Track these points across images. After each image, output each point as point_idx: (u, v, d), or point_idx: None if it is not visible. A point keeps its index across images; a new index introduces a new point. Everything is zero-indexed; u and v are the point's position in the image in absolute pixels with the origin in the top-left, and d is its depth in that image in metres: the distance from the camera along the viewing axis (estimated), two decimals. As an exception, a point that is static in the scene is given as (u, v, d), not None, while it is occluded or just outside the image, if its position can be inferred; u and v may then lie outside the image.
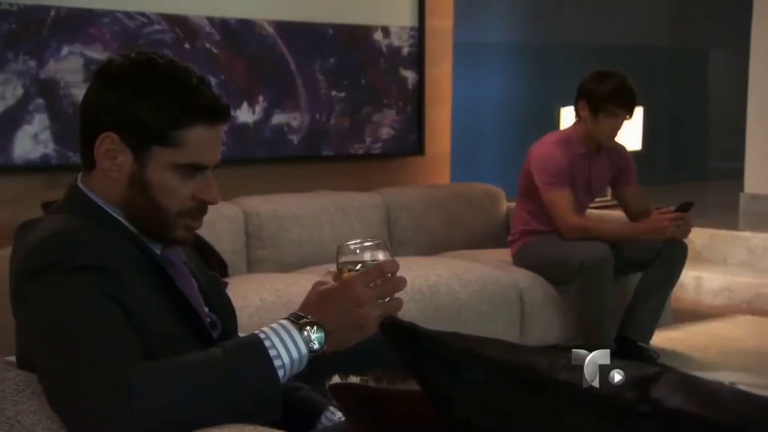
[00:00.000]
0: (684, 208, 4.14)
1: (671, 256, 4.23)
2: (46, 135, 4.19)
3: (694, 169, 10.72)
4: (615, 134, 4.27)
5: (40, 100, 4.16)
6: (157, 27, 4.43)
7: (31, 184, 4.16)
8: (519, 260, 4.36)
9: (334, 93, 4.93)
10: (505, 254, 4.51)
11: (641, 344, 4.27)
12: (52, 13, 4.16)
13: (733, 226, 6.48)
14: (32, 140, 4.15)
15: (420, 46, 5.15)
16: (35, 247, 1.59)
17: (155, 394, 1.44)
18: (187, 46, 4.49)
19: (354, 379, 1.32)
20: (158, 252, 1.74)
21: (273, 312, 3.63)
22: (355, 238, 4.73)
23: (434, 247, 4.67)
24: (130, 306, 1.58)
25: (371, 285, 1.62)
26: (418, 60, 5.16)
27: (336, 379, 1.33)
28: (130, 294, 1.59)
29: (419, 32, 5.15)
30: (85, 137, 1.72)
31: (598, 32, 10.11)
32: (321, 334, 1.59)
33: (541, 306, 4.24)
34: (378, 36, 5.05)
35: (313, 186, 4.69)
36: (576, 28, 9.98)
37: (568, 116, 5.45)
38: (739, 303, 5.67)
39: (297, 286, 3.80)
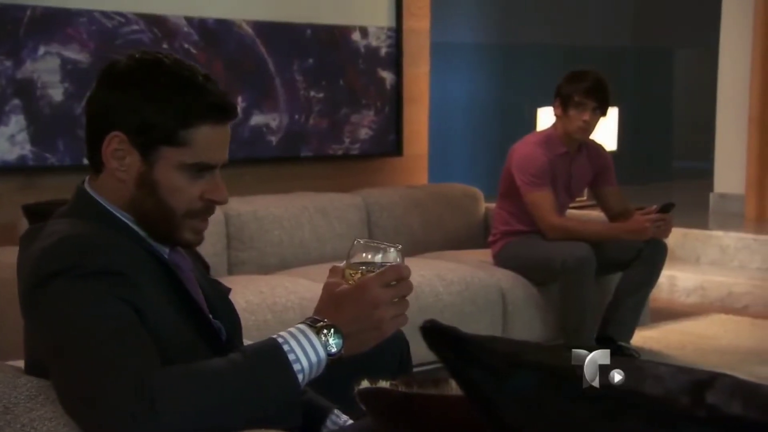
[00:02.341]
0: (665, 209, 4.19)
1: (651, 256, 4.26)
2: (22, 136, 4.13)
3: (659, 169, 10.81)
4: (587, 127, 4.24)
5: (16, 101, 4.11)
6: (134, 27, 4.39)
7: (8, 186, 4.10)
8: (500, 260, 4.37)
9: (312, 93, 4.92)
10: (485, 254, 4.52)
11: (622, 343, 4.30)
12: (29, 12, 4.11)
13: (703, 225, 6.54)
14: (8, 142, 4.09)
15: (398, 47, 5.15)
16: (47, 251, 1.57)
17: (177, 398, 1.44)
18: (165, 46, 4.44)
19: (383, 384, 1.31)
20: (166, 256, 1.73)
21: (258, 314, 3.62)
22: (339, 240, 4.73)
23: (414, 247, 4.66)
24: (144, 310, 1.57)
25: (386, 287, 1.62)
26: (395, 60, 5.15)
27: (365, 383, 1.32)
28: (143, 298, 1.58)
29: (397, 33, 5.15)
30: (92, 139, 1.71)
31: (565, 33, 10.17)
32: (339, 338, 1.58)
33: (524, 306, 4.25)
34: (356, 36, 5.04)
35: (291, 187, 4.67)
36: (544, 29, 10.03)
37: (545, 117, 5.48)
38: (712, 301, 5.72)
39: (281, 288, 3.79)
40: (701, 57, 10.65)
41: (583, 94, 4.19)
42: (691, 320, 5.32)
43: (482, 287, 4.15)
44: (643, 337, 4.69)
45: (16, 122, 4.11)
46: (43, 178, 4.19)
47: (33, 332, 1.62)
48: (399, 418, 1.31)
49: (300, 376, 1.54)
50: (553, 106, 4.35)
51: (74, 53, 4.22)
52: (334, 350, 1.58)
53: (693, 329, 5.10)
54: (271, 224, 4.29)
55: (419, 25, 5.31)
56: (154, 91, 1.65)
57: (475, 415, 1.20)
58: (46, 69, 4.16)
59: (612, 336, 4.29)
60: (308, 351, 1.56)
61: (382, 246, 1.68)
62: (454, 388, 1.31)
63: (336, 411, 1.90)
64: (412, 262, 4.35)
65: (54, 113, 4.19)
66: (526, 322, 4.24)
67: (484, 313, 4.12)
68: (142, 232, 1.70)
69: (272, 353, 1.54)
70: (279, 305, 3.68)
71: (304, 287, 3.83)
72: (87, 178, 1.78)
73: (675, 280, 5.78)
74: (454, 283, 4.08)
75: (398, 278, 1.63)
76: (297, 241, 4.36)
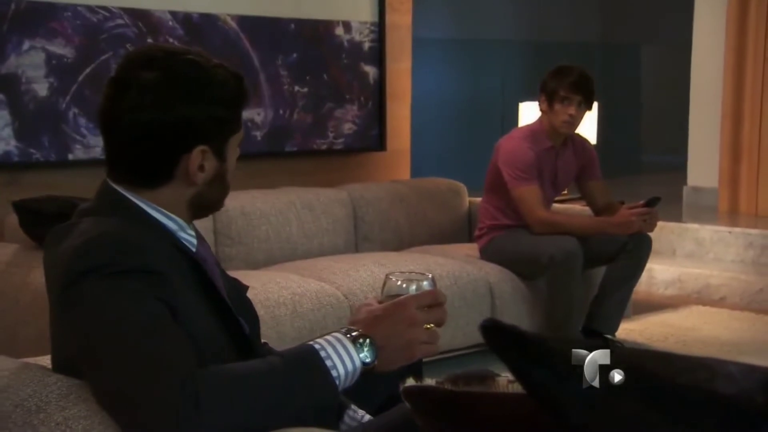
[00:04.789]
0: (651, 203, 4.23)
1: (636, 250, 4.30)
2: (7, 132, 4.09)
3: (629, 162, 10.89)
4: (572, 121, 4.28)
5: (1, 96, 4.07)
6: (119, 21, 4.36)
7: (-8, 182, 4.07)
8: (487, 255, 4.39)
9: (296, 88, 4.92)
10: (470, 249, 4.54)
11: (607, 336, 4.34)
12: (13, 6, 4.07)
13: (678, 218, 6.61)
14: (-7, 137, 4.06)
15: (380, 42, 5.16)
16: (80, 249, 1.56)
17: (221, 398, 1.44)
18: (150, 40, 4.42)
19: (429, 382, 1.33)
20: (194, 249, 1.73)
21: (250, 310, 3.61)
22: (325, 235, 4.75)
23: (400, 242, 4.68)
24: (177, 308, 1.56)
25: (422, 310, 1.63)
26: (378, 55, 5.16)
27: (410, 381, 1.33)
28: (176, 296, 1.57)
29: (379, 27, 5.16)
30: (163, 159, 1.66)
31: (536, 29, 10.23)
32: (373, 349, 1.60)
33: (511, 300, 4.27)
34: (339, 31, 5.04)
35: (276, 182, 4.67)
36: (514, 25, 10.08)
37: (527, 112, 5.51)
38: (689, 293, 5.80)
39: (272, 284, 3.79)
40: (668, 52, 10.75)
41: (569, 89, 4.23)
42: (670, 312, 5.39)
43: (471, 282, 4.17)
44: (625, 330, 4.73)
45: (1, 118, 4.07)
46: (28, 174, 4.16)
47: (66, 330, 1.59)
48: (445, 415, 1.32)
49: (336, 383, 1.56)
50: (539, 101, 4.37)
51: (59, 48, 4.19)
52: (368, 360, 1.59)
53: (673, 321, 5.16)
54: (258, 220, 4.29)
55: (401, 20, 5.33)
56: (214, 92, 1.65)
57: (525, 412, 1.21)
58: (31, 64, 4.13)
59: (597, 329, 4.33)
60: (344, 359, 1.57)
61: (415, 277, 1.70)
62: (500, 385, 1.32)
63: (353, 406, 1.91)
64: (401, 257, 4.39)
65: (39, 108, 4.15)
66: (514, 316, 4.27)
67: (472, 308, 4.14)
68: (173, 226, 1.69)
69: (311, 359, 1.55)
70: (271, 301, 3.68)
71: (296, 283, 3.83)
72: (108, 176, 1.72)
73: (653, 272, 5.84)
74: (443, 278, 4.09)
75: (433, 303, 1.65)
76: (284, 237, 4.35)
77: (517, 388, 1.23)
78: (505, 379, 1.30)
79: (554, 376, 1.08)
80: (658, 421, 1.00)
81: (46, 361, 1.79)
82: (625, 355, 1.06)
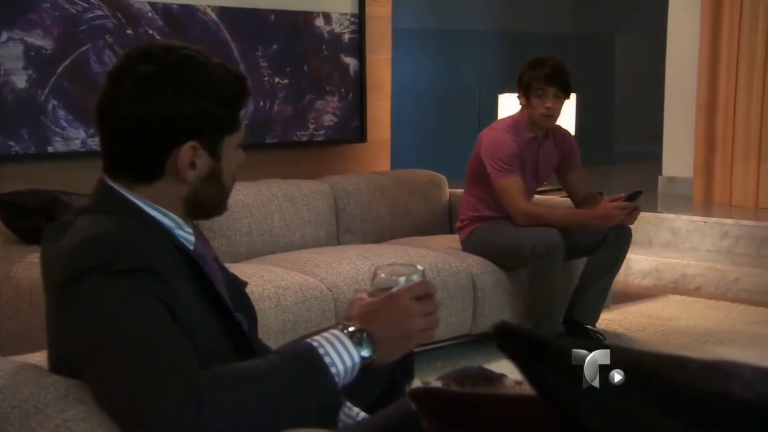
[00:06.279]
0: (633, 197, 4.26)
1: (616, 241, 4.33)
2: (-15, 124, 4.05)
3: (602, 152, 10.95)
4: (550, 113, 4.29)
5: (-22, 88, 4.03)
6: (98, 12, 4.32)
7: (-30, 175, 4.03)
8: (468, 246, 4.40)
9: (277, 80, 4.90)
10: (452, 240, 4.55)
11: (588, 327, 4.37)
12: (-10, -3, 4.03)
13: (653, 208, 6.65)
14: (-29, 129, 4.01)
15: (360, 33, 5.14)
16: (79, 247, 1.55)
17: (224, 399, 1.44)
18: (129, 32, 4.39)
19: (436, 383, 1.33)
20: (191, 247, 1.72)
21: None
22: (307, 227, 4.75)
23: (381, 234, 4.68)
24: (176, 308, 1.56)
25: (415, 300, 1.65)
26: (359, 47, 5.15)
27: (417, 383, 1.33)
28: (175, 296, 1.57)
29: (359, 18, 5.15)
30: (152, 153, 1.65)
31: (509, 19, 10.25)
32: (371, 344, 1.61)
33: (493, 291, 4.29)
34: (319, 22, 5.03)
35: (256, 174, 4.64)
36: (487, 15, 10.09)
37: (505, 103, 5.52)
38: (666, 283, 5.84)
39: (256, 277, 3.77)
40: (642, 42, 10.80)
41: (543, 82, 4.25)
42: (648, 302, 5.43)
43: (453, 273, 4.18)
44: (604, 320, 4.76)
45: (-21, 110, 4.03)
46: (8, 167, 4.12)
47: (64, 330, 1.58)
48: (451, 417, 1.32)
49: (336, 380, 1.56)
50: (518, 95, 4.39)
51: (38, 39, 4.15)
52: (366, 355, 1.60)
53: (651, 311, 5.20)
54: (240, 212, 4.27)
55: (381, 11, 5.31)
56: (209, 88, 1.64)
57: (532, 414, 1.22)
58: (9, 55, 4.08)
59: (578, 320, 4.36)
60: (343, 355, 1.57)
61: (406, 270, 1.71)
62: (507, 386, 1.33)
63: (348, 404, 1.91)
64: (383, 249, 4.37)
65: (18, 100, 4.11)
66: (496, 308, 4.29)
67: (455, 299, 4.15)
68: (170, 223, 1.68)
69: (310, 357, 1.55)
70: (255, 294, 3.65)
71: (279, 276, 3.82)
72: (106, 174, 1.71)
73: (630, 262, 5.86)
74: (426, 270, 4.08)
75: (425, 294, 1.67)
76: (266, 229, 4.34)
77: (524, 389, 1.24)
78: (512, 381, 1.31)
79: (567, 379, 1.08)
80: (673, 425, 1.00)
81: (36, 358, 1.77)
82: (639, 359, 1.07)
